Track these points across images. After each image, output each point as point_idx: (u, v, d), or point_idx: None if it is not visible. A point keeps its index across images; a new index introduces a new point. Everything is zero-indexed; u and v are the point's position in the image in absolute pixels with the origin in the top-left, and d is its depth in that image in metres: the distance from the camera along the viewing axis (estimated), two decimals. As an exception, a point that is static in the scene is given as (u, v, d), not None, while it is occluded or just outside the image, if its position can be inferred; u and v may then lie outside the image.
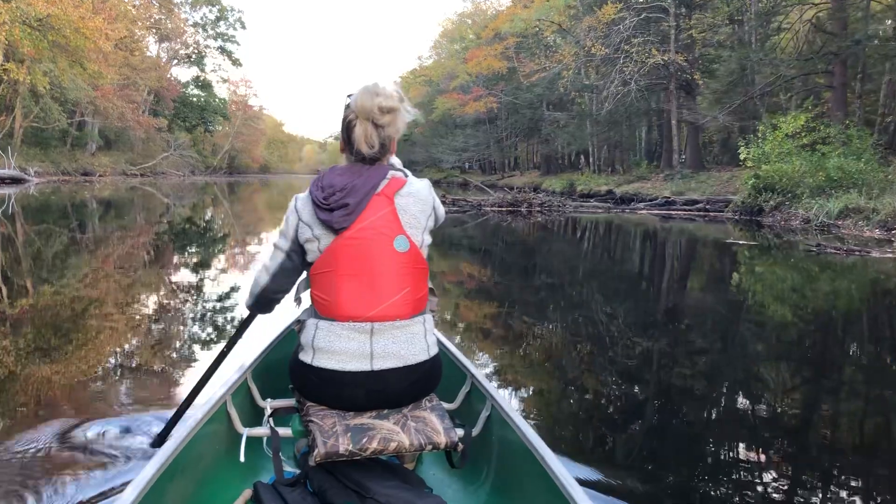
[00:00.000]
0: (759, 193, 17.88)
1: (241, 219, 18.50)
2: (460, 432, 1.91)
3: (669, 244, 13.49)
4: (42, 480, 2.46)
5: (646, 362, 4.63)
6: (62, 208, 17.76)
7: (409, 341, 1.88)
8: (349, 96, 1.96)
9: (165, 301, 6.20)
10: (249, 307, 2.25)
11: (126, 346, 4.51)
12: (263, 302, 2.17)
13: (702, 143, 38.22)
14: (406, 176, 1.99)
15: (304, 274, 2.03)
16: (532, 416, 3.36)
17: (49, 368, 3.84)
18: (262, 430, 2.10)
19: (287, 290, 2.12)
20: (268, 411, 2.16)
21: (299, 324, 2.03)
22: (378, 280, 1.85)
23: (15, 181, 26.84)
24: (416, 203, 1.94)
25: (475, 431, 2.12)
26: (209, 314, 5.56)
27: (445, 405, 2.12)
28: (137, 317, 5.38)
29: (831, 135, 18.53)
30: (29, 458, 2.66)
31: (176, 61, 62.98)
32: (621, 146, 39.45)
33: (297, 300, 2.15)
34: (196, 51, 64.18)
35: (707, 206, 20.14)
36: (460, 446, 1.86)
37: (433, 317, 2.08)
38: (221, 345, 2.64)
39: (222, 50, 66.84)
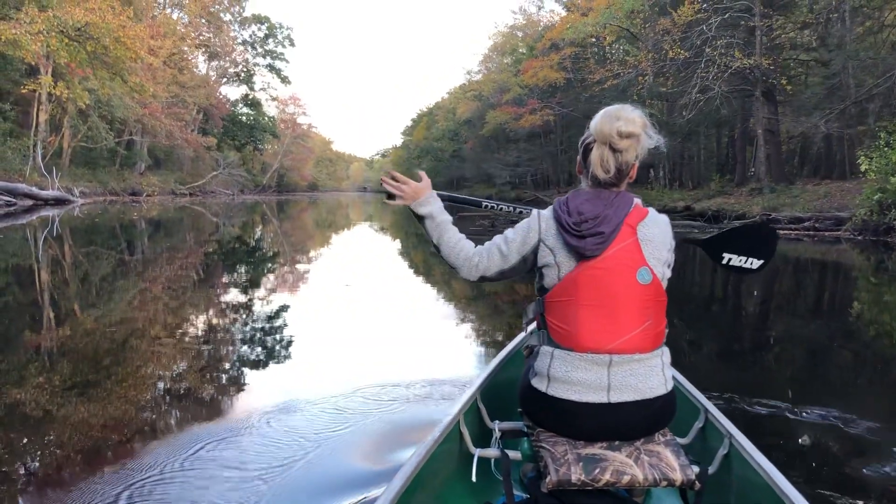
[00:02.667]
0: (885, 210, 15.37)
1: (291, 236, 17.96)
2: (696, 469, 1.78)
3: (842, 277, 11.00)
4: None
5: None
6: (108, 229, 16.72)
7: (647, 375, 1.82)
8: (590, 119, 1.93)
9: (230, 327, 5.85)
10: (449, 259, 2.03)
11: (197, 376, 4.26)
12: (461, 268, 2.02)
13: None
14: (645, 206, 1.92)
15: (537, 298, 1.97)
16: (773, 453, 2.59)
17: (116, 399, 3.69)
18: (492, 452, 2.07)
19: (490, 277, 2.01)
20: (496, 433, 2.17)
21: (529, 349, 2.14)
22: (619, 312, 1.80)
23: (59, 202, 25.78)
24: (659, 235, 1.88)
25: (711, 469, 1.95)
26: (261, 336, 5.43)
27: (678, 440, 1.99)
28: (197, 345, 5.09)
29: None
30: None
31: (225, 80, 62.62)
32: (691, 158, 36.88)
33: (526, 326, 2.16)
34: (245, 69, 63.66)
35: (816, 225, 17.59)
36: (697, 484, 1.76)
37: None
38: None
39: (271, 68, 66.28)
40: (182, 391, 3.91)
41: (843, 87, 22.92)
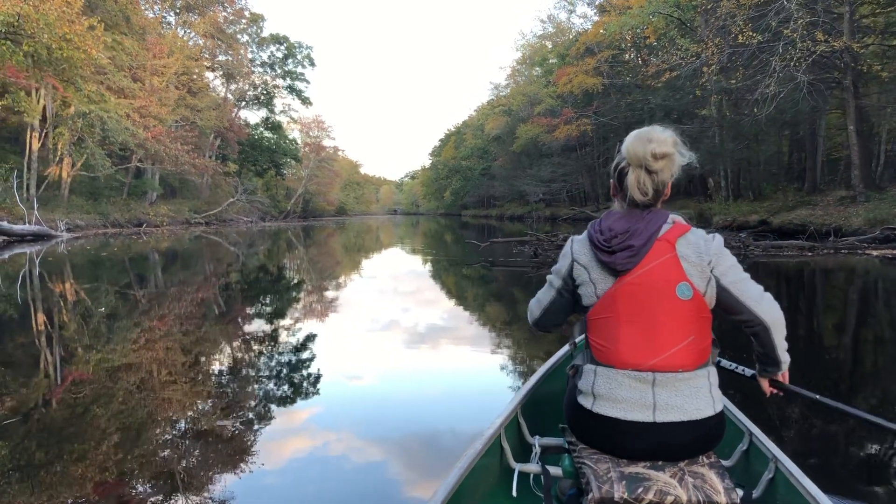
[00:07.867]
0: None
1: (318, 263, 16.40)
2: (741, 493, 1.72)
3: None
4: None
5: None
6: (74, 270, 13.26)
7: (693, 395, 1.74)
8: (621, 143, 1.90)
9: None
10: (532, 325, 2.20)
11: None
12: (540, 328, 2.15)
13: (828, 158, 31.09)
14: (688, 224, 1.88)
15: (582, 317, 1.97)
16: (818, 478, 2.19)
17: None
18: (533, 467, 2.08)
19: (559, 324, 2.10)
20: (536, 449, 2.17)
21: (574, 368, 2.02)
22: (659, 328, 1.75)
23: (38, 238, 22.78)
24: (697, 253, 1.79)
25: (756, 493, 1.91)
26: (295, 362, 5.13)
27: (722, 462, 1.92)
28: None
29: None
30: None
31: (244, 103, 60.12)
32: (749, 164, 32.69)
33: (573, 344, 2.23)
34: (265, 91, 61.09)
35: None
36: None
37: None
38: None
39: (291, 89, 63.61)
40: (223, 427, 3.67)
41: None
